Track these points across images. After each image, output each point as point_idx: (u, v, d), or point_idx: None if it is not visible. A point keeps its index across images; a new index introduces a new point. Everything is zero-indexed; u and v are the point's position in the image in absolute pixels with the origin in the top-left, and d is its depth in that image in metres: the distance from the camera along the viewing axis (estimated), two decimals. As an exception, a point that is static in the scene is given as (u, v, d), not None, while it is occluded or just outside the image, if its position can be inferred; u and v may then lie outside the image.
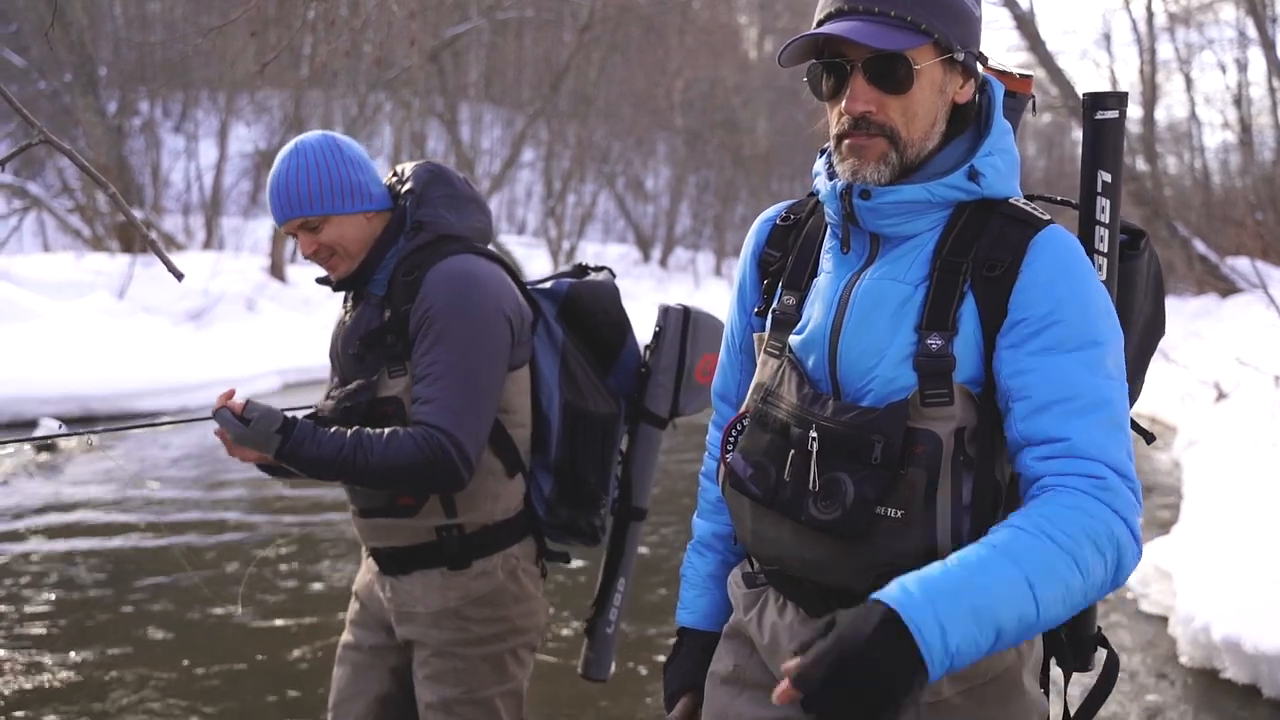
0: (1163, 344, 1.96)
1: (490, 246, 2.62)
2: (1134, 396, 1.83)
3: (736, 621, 1.84)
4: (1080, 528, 1.42)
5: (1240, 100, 23.58)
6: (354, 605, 2.68)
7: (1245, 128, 23.03)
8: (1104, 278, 1.72)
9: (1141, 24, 25.72)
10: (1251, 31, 21.34)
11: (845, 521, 1.59)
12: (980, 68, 1.71)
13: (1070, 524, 1.42)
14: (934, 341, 1.58)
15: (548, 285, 2.70)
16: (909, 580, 1.36)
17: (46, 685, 4.66)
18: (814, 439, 1.63)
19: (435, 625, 2.47)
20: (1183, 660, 4.88)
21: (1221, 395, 10.34)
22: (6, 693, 4.56)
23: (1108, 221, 1.74)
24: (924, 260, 1.63)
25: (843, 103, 1.64)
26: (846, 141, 1.65)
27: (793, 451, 1.65)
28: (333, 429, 2.35)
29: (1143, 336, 1.84)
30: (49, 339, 12.95)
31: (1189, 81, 25.77)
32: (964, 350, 1.58)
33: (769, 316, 1.79)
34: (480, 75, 33.65)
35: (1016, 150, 1.73)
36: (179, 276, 1.08)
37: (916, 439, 1.57)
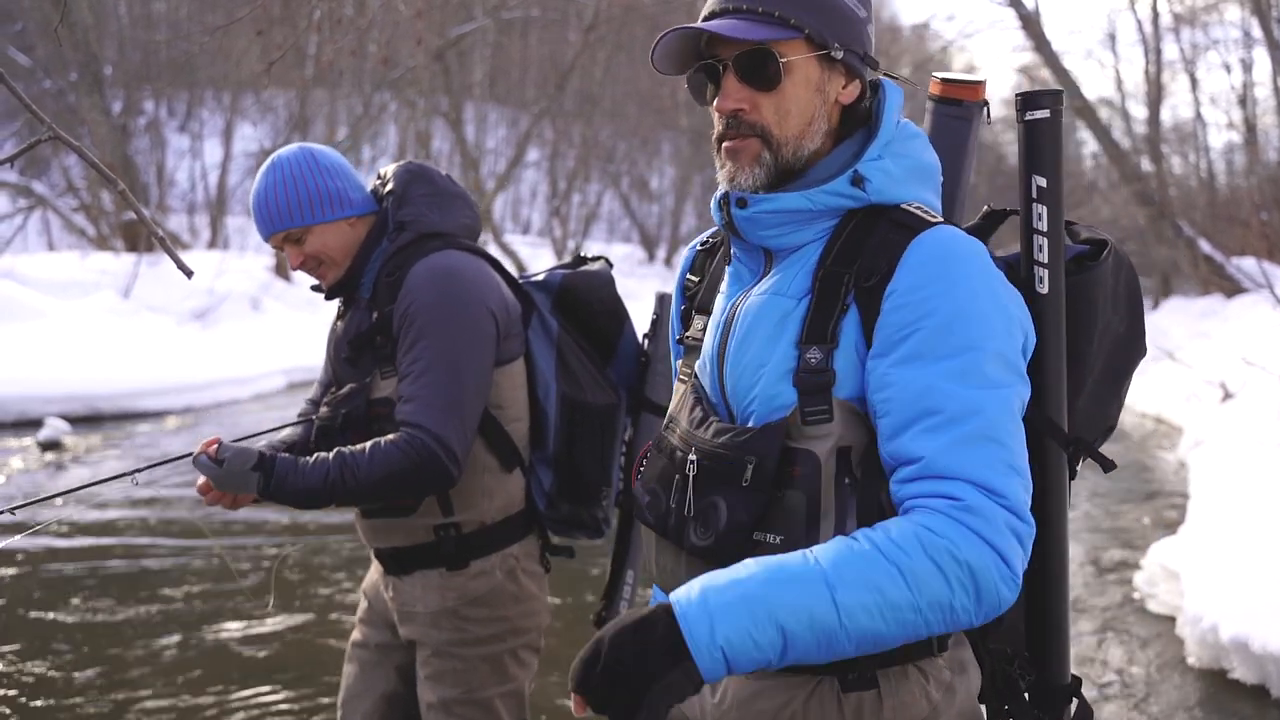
0: (1168, 345, 1.83)
1: (480, 240, 2.62)
2: (1103, 421, 1.73)
3: None
4: (915, 540, 1.35)
5: (1245, 100, 23.54)
6: (362, 604, 2.69)
7: (1250, 128, 22.98)
8: (1045, 290, 1.62)
9: (1147, 24, 25.68)
10: (1257, 31, 21.30)
11: (718, 548, 1.51)
12: (875, 71, 1.65)
13: (904, 536, 1.35)
14: (813, 356, 1.50)
15: (541, 278, 2.69)
16: (702, 577, 1.35)
17: (55, 679, 4.66)
18: (693, 462, 1.56)
19: (434, 625, 2.48)
20: (1190, 661, 4.87)
21: (1228, 395, 10.32)
22: (14, 689, 4.56)
23: (1045, 229, 1.63)
24: (808, 272, 1.56)
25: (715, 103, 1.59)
26: (724, 145, 1.59)
27: (677, 476, 1.59)
28: (314, 456, 2.34)
29: (1112, 355, 1.71)
30: (54, 338, 12.97)
31: (1194, 82, 25.70)
32: (846, 364, 1.50)
33: (684, 343, 1.75)
34: (485, 75, 33.63)
35: (927, 156, 1.63)
36: (189, 274, 1.08)
37: (795, 459, 1.49)
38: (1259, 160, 22.26)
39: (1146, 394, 13.06)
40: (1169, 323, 17.46)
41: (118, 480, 2.45)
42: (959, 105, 1.72)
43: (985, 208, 1.77)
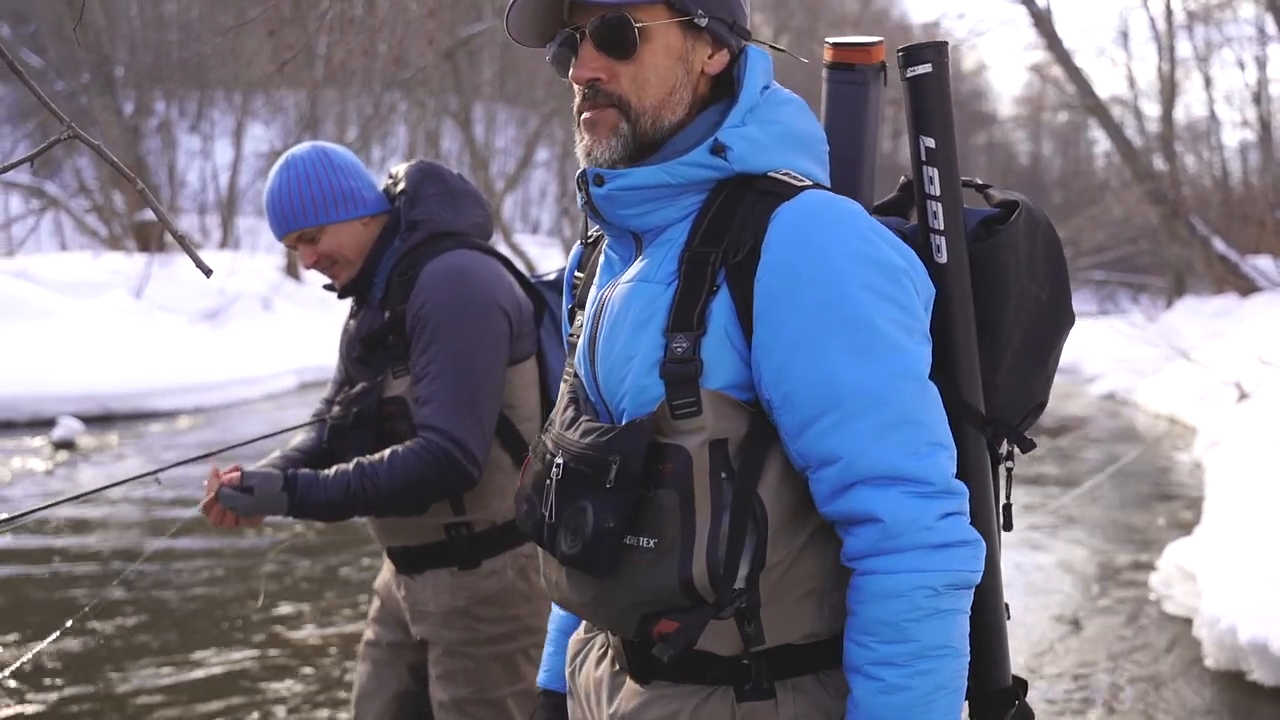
0: (1182, 344, 1.75)
1: (492, 239, 2.62)
2: (1029, 398, 1.58)
3: (567, 673, 1.69)
4: (888, 600, 1.33)
5: (1259, 98, 23.43)
6: (375, 603, 2.70)
7: (1265, 125, 22.86)
8: (944, 259, 1.50)
9: (1160, 21, 25.58)
10: (1271, 28, 21.21)
11: (586, 555, 1.41)
12: (746, 40, 1.54)
13: (879, 606, 1.33)
14: (679, 345, 1.39)
15: (553, 277, 2.69)
16: None
17: (66, 674, 4.67)
18: (558, 466, 1.46)
19: (446, 624, 2.47)
20: (1208, 663, 4.84)
21: (1243, 395, 10.27)
22: (28, 684, 4.57)
23: (939, 193, 1.51)
24: (675, 254, 1.44)
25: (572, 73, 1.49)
26: (582, 117, 1.49)
27: (547, 482, 1.48)
28: (333, 469, 2.35)
29: (1033, 325, 1.56)
30: (67, 338, 13.02)
31: (1208, 80, 25.60)
32: (716, 351, 1.39)
33: (570, 342, 1.64)
34: (494, 75, 33.65)
35: (803, 122, 1.52)
36: (208, 273, 1.07)
37: (666, 456, 1.39)
38: (1273, 158, 22.17)
39: (1160, 394, 13.01)
40: (1183, 322, 17.39)
41: (140, 479, 2.46)
42: (852, 70, 1.60)
43: (901, 179, 1.67)
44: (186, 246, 1.11)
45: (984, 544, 1.38)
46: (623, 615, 1.43)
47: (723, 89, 1.53)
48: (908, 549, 1.33)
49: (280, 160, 2.50)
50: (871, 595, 1.34)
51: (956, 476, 1.43)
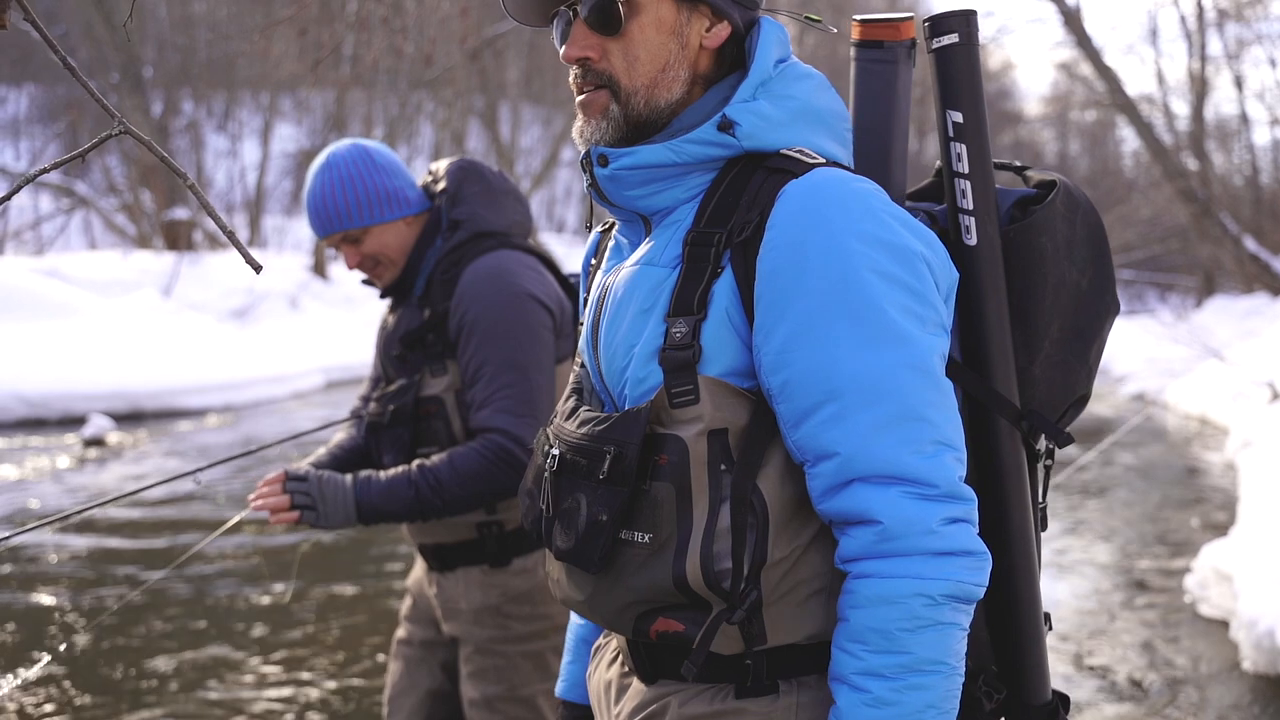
0: (1214, 344, 1.64)
1: (530, 238, 2.61)
2: (1069, 390, 1.49)
3: (586, 676, 1.65)
4: (900, 653, 1.24)
5: (1291, 96, 23.19)
6: (407, 601, 2.70)
7: (1296, 123, 22.66)
8: (973, 240, 1.42)
9: (1190, 19, 25.36)
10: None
11: (579, 549, 1.36)
12: (755, 10, 1.46)
13: (873, 608, 1.25)
14: (678, 330, 1.32)
15: None
16: None
17: (100, 671, 4.69)
18: (554, 457, 1.41)
19: (477, 622, 2.48)
20: (1245, 666, 4.78)
21: (1276, 395, 10.16)
22: (54, 681, 4.60)
23: (967, 170, 1.43)
24: (681, 235, 1.38)
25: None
26: (577, 99, 1.43)
27: (545, 474, 1.43)
28: (392, 472, 2.35)
29: (1073, 313, 1.47)
30: (96, 336, 13.11)
31: (1238, 77, 25.36)
32: (716, 336, 1.32)
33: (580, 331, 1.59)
34: (520, 74, 33.71)
35: (822, 99, 1.43)
36: (257, 269, 1.06)
37: (663, 446, 1.32)
38: (1305, 157, 21.92)
39: (1191, 394, 12.89)
40: (1214, 321, 17.25)
41: (180, 479, 2.47)
42: (881, 48, 1.50)
43: (937, 164, 1.57)
44: (236, 242, 1.10)
45: (989, 558, 1.29)
46: (618, 613, 1.38)
47: (735, 63, 1.46)
48: (906, 554, 1.25)
49: (321, 159, 2.49)
50: (864, 600, 1.26)
51: (988, 473, 1.38)
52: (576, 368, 1.55)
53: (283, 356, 15.23)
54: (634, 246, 1.46)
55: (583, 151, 1.44)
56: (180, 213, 21.52)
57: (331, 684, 4.68)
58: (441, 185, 2.54)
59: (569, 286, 2.59)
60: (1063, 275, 1.45)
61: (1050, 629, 1.47)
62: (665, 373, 1.33)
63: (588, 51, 1.41)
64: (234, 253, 22.04)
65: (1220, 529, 6.97)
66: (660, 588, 1.32)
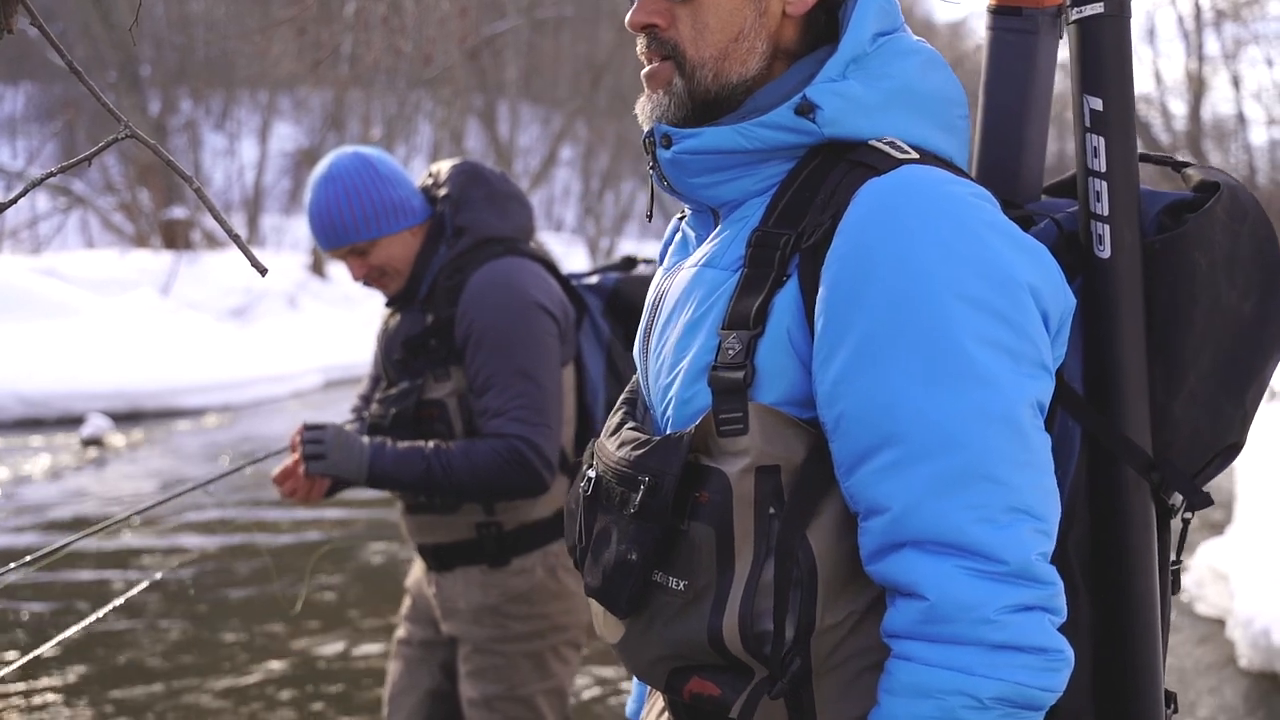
0: None
1: (533, 241, 2.62)
2: (1218, 437, 1.23)
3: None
4: (918, 695, 1.06)
5: (1288, 95, 23.20)
6: (406, 601, 2.71)
7: (1293, 123, 22.66)
8: (1106, 253, 1.20)
9: (1188, 19, 25.39)
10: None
11: (606, 589, 1.21)
12: None
13: (908, 697, 1.06)
14: (731, 345, 1.14)
15: (594, 280, 2.69)
16: None
17: (101, 672, 4.69)
18: (589, 480, 1.26)
19: (476, 622, 2.48)
20: (1241, 664, 4.80)
21: (1274, 395, 10.18)
22: (55, 684, 4.60)
23: (1104, 169, 1.20)
24: (746, 235, 1.20)
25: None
26: (643, 73, 1.27)
27: (581, 498, 1.29)
28: (406, 445, 2.37)
29: (1229, 344, 1.21)
30: (94, 336, 13.09)
31: (1235, 77, 25.36)
32: (773, 356, 1.13)
33: None
34: (519, 73, 33.72)
35: (930, 80, 1.23)
36: (263, 271, 1.07)
37: (705, 481, 1.14)
38: (1302, 156, 21.95)
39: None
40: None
41: (190, 492, 2.48)
42: (1018, 15, 1.31)
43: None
44: (241, 244, 1.11)
45: (1069, 658, 1.07)
46: (650, 666, 1.22)
47: (827, 36, 1.26)
48: (955, 641, 1.05)
49: (323, 171, 2.47)
50: (899, 685, 1.07)
51: (1109, 529, 1.17)
52: (634, 377, 1.41)
53: (282, 356, 15.21)
54: (700, 242, 1.30)
55: (645, 130, 1.28)
56: (178, 212, 21.50)
57: (332, 688, 4.69)
58: (444, 190, 2.54)
59: (571, 290, 2.60)
60: (1218, 297, 1.20)
61: (1175, 711, 1.26)
62: (714, 395, 1.15)
63: (654, 17, 1.25)
64: (233, 252, 22.07)
65: (1218, 527, 6.98)
66: (694, 644, 1.16)
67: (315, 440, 2.32)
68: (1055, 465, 1.15)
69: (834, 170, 1.17)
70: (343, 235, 2.45)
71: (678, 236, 1.38)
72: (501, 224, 2.51)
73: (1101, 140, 1.22)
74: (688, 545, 1.16)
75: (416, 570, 2.69)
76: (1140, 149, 1.27)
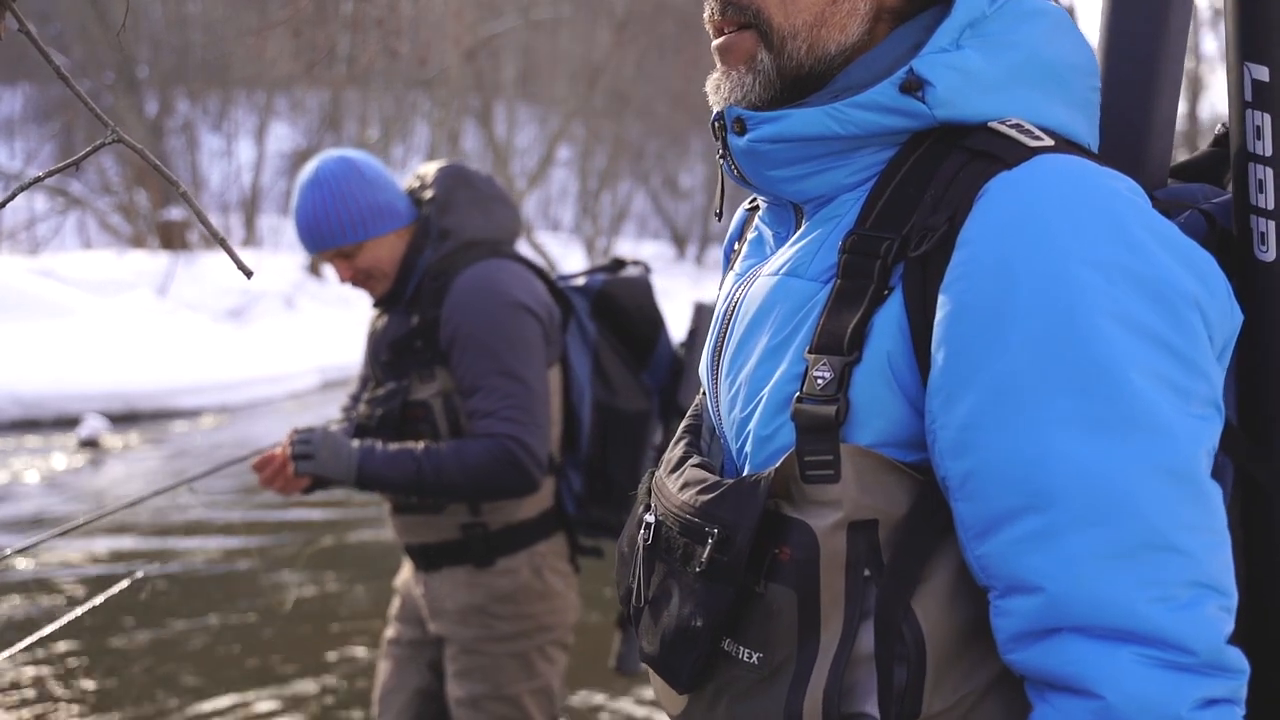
0: None
1: (521, 240, 2.65)
2: None
3: None
4: None
5: (1285, 95, 23.23)
6: (395, 601, 2.74)
7: (1290, 122, 22.68)
8: (1270, 256, 1.00)
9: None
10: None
11: (665, 659, 1.04)
12: None
13: None
14: (820, 374, 0.96)
15: (581, 282, 2.71)
16: None
17: (92, 676, 4.69)
18: (648, 526, 1.08)
19: (462, 622, 2.50)
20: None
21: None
22: (51, 684, 4.60)
23: (1269, 154, 1.00)
24: (839, 239, 1.01)
25: None
26: (714, 43, 1.07)
27: (639, 546, 1.10)
28: (395, 446, 2.39)
29: None
30: (91, 336, 13.08)
31: (1232, 76, 25.35)
32: (871, 388, 0.95)
33: None
34: (516, 74, 33.71)
35: (1058, 46, 1.01)
36: (249, 274, 1.07)
37: (787, 535, 0.97)
38: (1298, 156, 21.97)
39: None
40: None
41: (174, 489, 2.49)
42: None
43: (1218, 128, 1.14)
44: (227, 247, 1.12)
45: None
46: None
47: None
48: None
49: (309, 175, 2.49)
50: None
51: (1269, 582, 1.01)
52: (699, 397, 1.21)
53: (279, 356, 15.21)
54: (780, 242, 1.10)
55: (715, 110, 1.08)
56: (175, 213, 21.49)
57: (323, 682, 4.69)
58: (430, 193, 2.56)
59: (557, 292, 2.61)
60: None
61: None
62: (799, 432, 0.96)
63: None
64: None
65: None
66: None
67: (304, 441, 2.35)
68: None
69: (948, 160, 0.97)
70: (328, 239, 2.47)
71: (749, 233, 1.17)
72: (486, 226, 2.53)
73: (1267, 118, 1.01)
74: (764, 610, 0.98)
75: (405, 571, 2.70)
76: None
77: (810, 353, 0.97)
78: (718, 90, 1.07)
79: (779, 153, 1.02)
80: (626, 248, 33.49)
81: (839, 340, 0.95)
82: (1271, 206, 1.01)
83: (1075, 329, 0.87)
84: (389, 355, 2.50)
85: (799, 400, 0.97)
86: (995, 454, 0.89)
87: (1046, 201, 0.90)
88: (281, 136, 29.91)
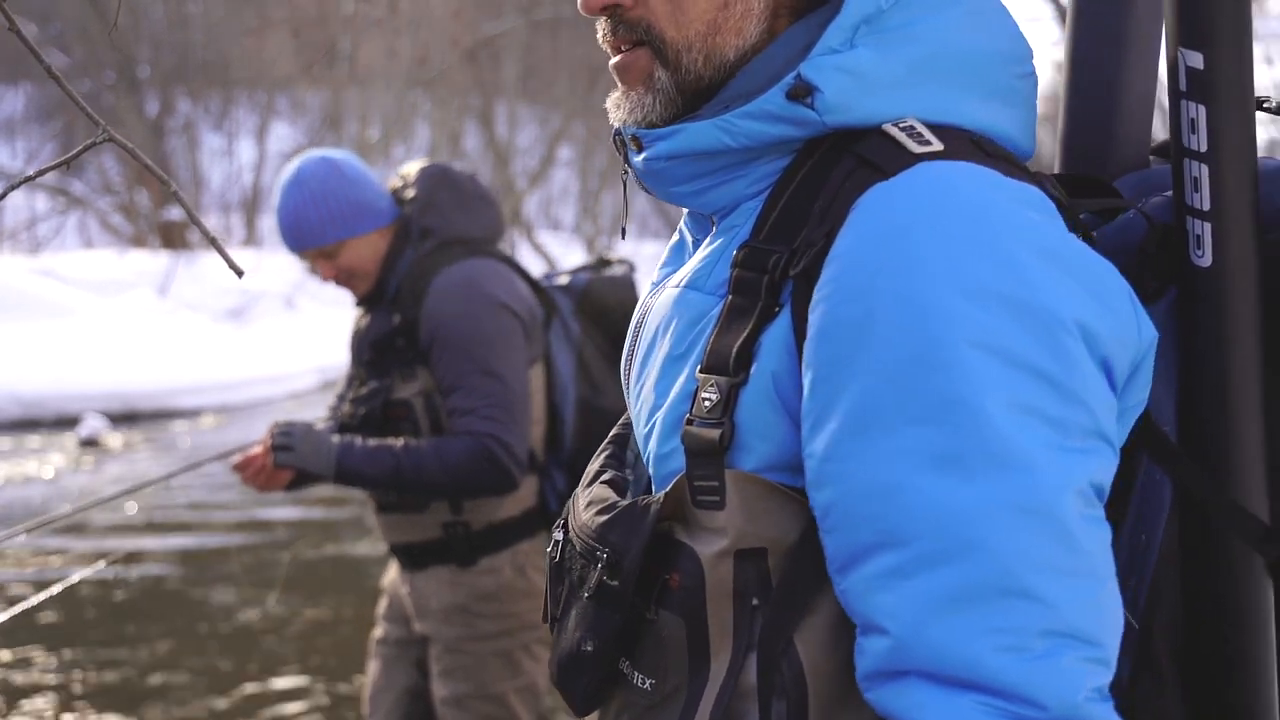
0: None
1: (513, 238, 2.67)
2: None
3: None
4: None
5: (1286, 95, 23.25)
6: (383, 601, 2.75)
7: (1291, 123, 22.71)
8: (1206, 261, 0.92)
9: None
10: (1298, 25, 21.01)
11: (561, 679, 1.00)
12: None
13: None
14: (709, 395, 0.90)
15: (565, 281, 2.72)
16: None
17: (85, 672, 4.69)
18: (557, 544, 1.04)
19: (446, 621, 2.52)
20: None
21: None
22: (46, 683, 4.60)
23: (1203, 149, 0.92)
24: (735, 250, 0.96)
25: None
26: (611, 64, 1.01)
27: (549, 564, 1.07)
28: (375, 442, 2.41)
29: None
30: (91, 336, 13.09)
31: (1233, 76, 25.40)
32: (757, 411, 0.89)
33: None
34: (517, 73, 33.75)
35: (978, 35, 0.93)
36: (240, 273, 1.07)
37: (677, 561, 0.92)
38: (1299, 156, 21.98)
39: None
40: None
41: (153, 485, 2.50)
42: None
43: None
44: (219, 247, 1.11)
45: None
46: None
47: None
48: None
49: (289, 175, 2.51)
50: None
51: (1212, 609, 0.94)
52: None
53: (278, 356, 15.22)
54: (696, 249, 1.04)
55: (613, 127, 1.03)
56: (176, 213, 21.51)
57: (315, 683, 4.69)
58: (412, 192, 2.57)
59: (539, 290, 2.63)
60: None
61: None
62: (688, 456, 0.91)
63: None
64: (229, 253, 22.01)
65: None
66: None
67: (284, 433, 2.36)
68: (1139, 528, 0.94)
69: (837, 168, 0.90)
70: (309, 238, 2.49)
71: (674, 238, 1.12)
72: (468, 225, 2.55)
73: (1202, 110, 0.92)
74: (655, 638, 0.94)
75: (392, 570, 2.72)
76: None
77: (701, 372, 0.92)
78: (618, 109, 1.01)
79: (675, 169, 0.97)
80: (628, 247, 33.52)
81: (725, 359, 0.90)
82: (1207, 207, 0.92)
83: (935, 357, 0.81)
84: (371, 354, 2.52)
85: (688, 422, 0.92)
86: (852, 487, 0.84)
87: (916, 217, 0.83)
88: (282, 136, 29.91)
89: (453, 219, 2.54)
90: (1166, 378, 0.96)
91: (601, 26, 1.00)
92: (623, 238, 1.26)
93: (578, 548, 0.99)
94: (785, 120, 0.91)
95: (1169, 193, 0.99)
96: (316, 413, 10.49)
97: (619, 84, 1.02)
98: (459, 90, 23.60)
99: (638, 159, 1.00)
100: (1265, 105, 0.99)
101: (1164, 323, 0.97)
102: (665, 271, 1.09)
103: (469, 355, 2.39)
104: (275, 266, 21.01)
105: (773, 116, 0.91)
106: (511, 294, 2.49)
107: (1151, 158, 1.12)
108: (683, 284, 1.00)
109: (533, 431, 2.53)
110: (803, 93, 0.89)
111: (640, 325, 1.07)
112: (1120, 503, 0.95)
